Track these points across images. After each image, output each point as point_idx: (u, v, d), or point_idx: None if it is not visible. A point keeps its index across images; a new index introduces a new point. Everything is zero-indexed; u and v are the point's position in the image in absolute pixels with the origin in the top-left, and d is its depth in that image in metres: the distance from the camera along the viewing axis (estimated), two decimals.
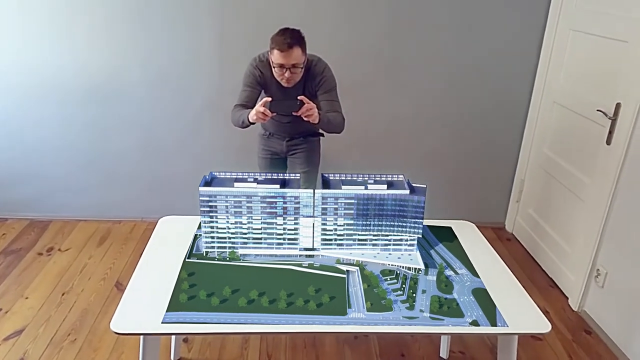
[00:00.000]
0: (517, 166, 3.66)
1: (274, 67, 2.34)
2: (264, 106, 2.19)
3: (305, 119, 2.26)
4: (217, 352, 2.55)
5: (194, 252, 2.02)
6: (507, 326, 1.68)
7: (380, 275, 1.91)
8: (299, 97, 2.23)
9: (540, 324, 1.70)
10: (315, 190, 1.91)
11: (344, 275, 1.89)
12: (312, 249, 2.00)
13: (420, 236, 1.99)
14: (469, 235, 2.23)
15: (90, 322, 2.72)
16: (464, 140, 3.58)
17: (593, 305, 2.80)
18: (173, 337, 2.43)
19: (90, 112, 3.44)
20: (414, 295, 1.81)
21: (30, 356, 2.48)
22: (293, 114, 2.27)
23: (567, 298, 3.02)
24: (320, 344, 2.63)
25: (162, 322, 1.63)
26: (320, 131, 2.76)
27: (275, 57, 2.28)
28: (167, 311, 1.68)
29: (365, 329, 1.65)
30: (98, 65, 3.32)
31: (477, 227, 2.34)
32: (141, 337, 1.69)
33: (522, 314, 1.74)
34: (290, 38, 2.25)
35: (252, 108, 2.43)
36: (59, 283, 3.03)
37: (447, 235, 2.22)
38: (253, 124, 2.35)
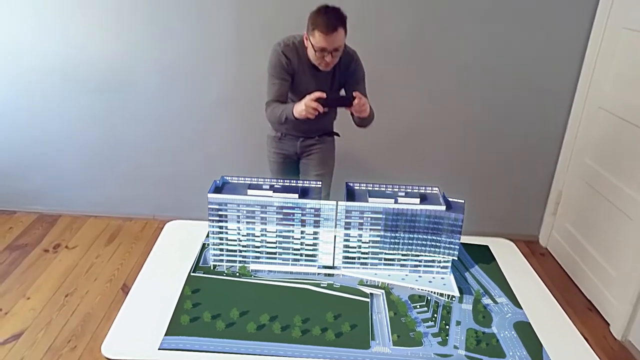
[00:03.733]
0: (554, 176, 3.38)
1: (313, 51, 2.10)
2: (315, 101, 1.98)
3: (356, 114, 2.10)
4: None
5: (200, 264, 1.82)
6: None
7: (409, 301, 1.68)
8: (354, 94, 2.03)
9: None
10: (339, 203, 1.69)
11: (368, 300, 1.68)
12: (332, 267, 1.78)
13: (455, 257, 1.75)
14: (508, 256, 1.99)
15: (92, 328, 2.55)
16: (497, 145, 3.33)
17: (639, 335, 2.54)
18: None
19: (103, 103, 3.28)
20: (447, 327, 1.59)
21: None
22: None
23: (609, 324, 2.75)
24: None
25: (159, 349, 1.43)
26: (336, 130, 2.57)
27: (317, 40, 2.04)
28: (165, 335, 1.49)
29: None
30: (111, 56, 3.16)
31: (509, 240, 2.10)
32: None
33: (572, 355, 1.50)
34: (335, 18, 2.01)
35: (286, 101, 2.27)
36: (63, 283, 2.87)
37: (483, 256, 1.99)
38: (298, 119, 2.13)
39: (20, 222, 3.47)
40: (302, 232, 1.72)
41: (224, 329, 1.52)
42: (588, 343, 1.60)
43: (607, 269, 2.81)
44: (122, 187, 3.52)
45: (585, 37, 3.03)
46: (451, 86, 3.17)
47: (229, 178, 1.82)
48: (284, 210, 1.70)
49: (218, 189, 1.76)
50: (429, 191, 1.81)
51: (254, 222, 1.71)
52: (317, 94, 1.99)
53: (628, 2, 2.73)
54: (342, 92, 2.36)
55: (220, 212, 1.70)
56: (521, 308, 1.70)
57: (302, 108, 2.02)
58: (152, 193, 3.55)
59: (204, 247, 1.91)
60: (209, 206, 1.69)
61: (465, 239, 2.07)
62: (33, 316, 2.61)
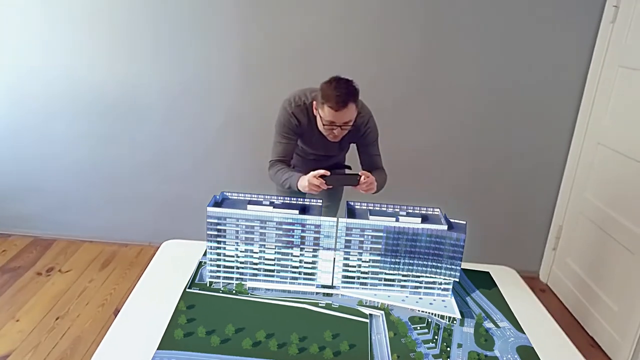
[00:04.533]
0: (554, 211, 3.37)
1: (322, 124, 2.03)
2: (320, 177, 1.91)
3: (363, 192, 1.99)
4: None
5: (196, 281, 1.78)
6: None
7: (409, 323, 1.64)
8: (360, 173, 1.93)
9: None
10: (340, 220, 1.67)
11: (367, 320, 1.63)
12: (331, 287, 1.75)
13: (457, 279, 1.72)
14: (509, 283, 1.96)
15: (82, 351, 2.48)
16: (496, 178, 3.33)
17: None
18: None
19: (104, 128, 3.28)
20: (449, 349, 1.54)
21: None
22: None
23: None
24: None
25: None
26: (347, 164, 2.53)
27: (327, 114, 1.96)
28: (158, 349, 1.44)
29: None
30: (117, 80, 3.18)
31: None
32: None
33: None
34: (346, 94, 1.92)
35: (291, 160, 2.23)
36: (55, 307, 2.81)
37: (485, 282, 1.95)
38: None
39: (15, 245, 3.43)
40: (301, 249, 1.70)
41: (218, 344, 1.47)
42: None
43: (608, 304, 2.76)
44: (119, 212, 3.50)
45: (583, 74, 3.07)
46: (453, 118, 3.19)
47: (229, 194, 1.81)
48: (284, 227, 1.67)
49: (217, 204, 1.74)
50: (430, 212, 1.79)
51: (253, 238, 1.69)
52: (321, 172, 1.92)
53: (623, 42, 2.79)
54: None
55: (218, 227, 1.68)
56: (524, 333, 1.66)
57: (305, 184, 1.95)
58: (150, 219, 3.51)
59: (200, 265, 1.88)
60: (208, 220, 1.67)
61: (466, 265, 2.05)
62: (21, 338, 2.54)
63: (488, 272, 2.03)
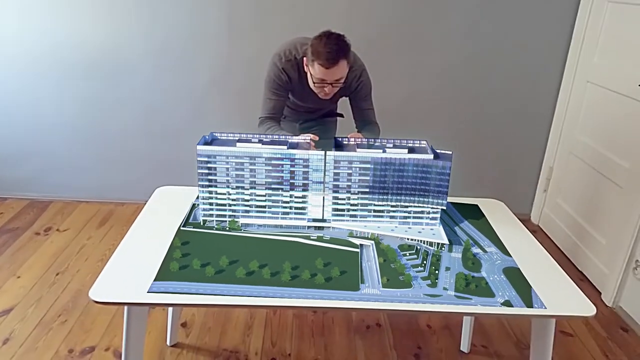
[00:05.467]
0: (545, 152, 3.40)
1: (312, 81, 2.00)
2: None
3: None
4: (217, 337, 2.35)
5: (190, 220, 1.81)
6: (545, 308, 1.44)
7: (398, 250, 1.69)
8: (349, 136, 1.88)
9: (583, 307, 1.47)
10: (327, 153, 1.69)
11: (357, 250, 1.68)
12: (322, 220, 1.78)
13: (444, 207, 1.76)
14: (498, 213, 2.00)
15: (83, 303, 2.53)
16: (485, 121, 3.34)
17: (630, 300, 2.55)
18: (169, 319, 2.23)
19: (91, 88, 3.27)
20: (437, 272, 1.59)
21: (16, 336, 2.30)
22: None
23: (600, 293, 2.76)
24: (329, 332, 2.42)
25: (147, 292, 1.43)
26: (339, 112, 2.51)
27: (317, 71, 1.91)
28: (154, 280, 1.48)
29: (380, 305, 1.43)
30: (99, 39, 3.15)
31: None
32: (125, 308, 1.49)
33: (561, 296, 1.51)
34: (337, 51, 1.86)
35: (280, 117, 2.21)
36: (54, 263, 2.85)
37: (473, 213, 1.99)
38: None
39: (12, 207, 3.45)
40: (291, 184, 1.73)
41: (213, 274, 1.51)
42: None
43: (596, 237, 2.82)
44: (113, 172, 3.51)
45: (574, 10, 3.05)
46: (442, 61, 3.19)
47: (218, 134, 1.82)
48: (273, 162, 1.70)
49: (207, 144, 1.76)
50: (417, 145, 1.82)
51: (243, 175, 1.71)
52: (311, 136, 1.89)
53: None
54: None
55: (209, 165, 1.70)
56: (511, 256, 1.70)
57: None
58: (144, 178, 3.52)
59: (194, 207, 1.91)
60: (198, 159, 1.69)
61: (454, 199, 2.08)
62: (23, 293, 2.59)
63: (477, 205, 2.06)
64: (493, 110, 3.31)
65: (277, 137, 1.81)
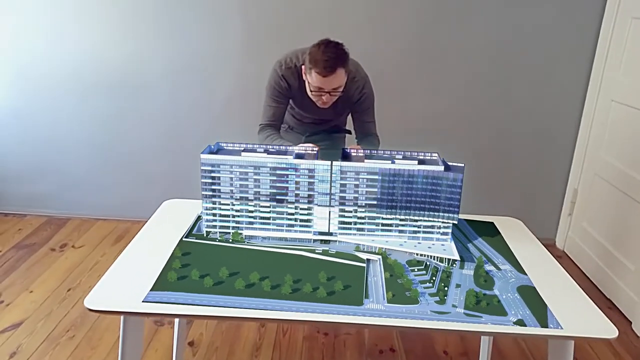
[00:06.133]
0: (569, 174, 3.28)
1: (310, 90, 1.99)
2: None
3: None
4: (225, 358, 2.29)
5: (193, 232, 1.78)
6: (562, 328, 1.34)
7: (406, 265, 1.61)
8: (349, 148, 1.87)
9: (604, 329, 1.36)
10: (334, 163, 1.64)
11: (364, 265, 1.61)
12: (329, 234, 1.72)
13: (456, 222, 1.68)
14: (514, 231, 1.91)
15: (92, 320, 2.51)
16: (506, 144, 3.25)
17: None
18: (175, 337, 2.18)
19: (111, 107, 3.32)
20: (446, 289, 1.50)
21: (23, 350, 2.27)
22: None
23: (630, 322, 2.61)
24: (340, 356, 2.33)
25: (142, 301, 1.38)
26: (348, 128, 2.46)
27: (314, 80, 1.90)
28: (151, 290, 1.44)
29: (384, 322, 1.35)
30: (121, 58, 3.21)
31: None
32: (121, 318, 1.45)
33: (579, 317, 1.41)
34: (335, 59, 1.84)
35: (281, 124, 2.22)
36: (67, 279, 2.85)
37: (488, 230, 1.91)
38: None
39: (30, 224, 3.49)
40: (296, 195, 1.68)
41: (211, 286, 1.46)
42: (608, 342, 1.50)
43: (626, 264, 2.68)
44: (131, 190, 3.52)
45: (596, 29, 2.98)
46: (463, 82, 3.13)
47: (224, 144, 1.80)
48: (278, 172, 1.66)
49: (213, 154, 1.73)
50: (428, 157, 1.75)
51: (247, 185, 1.68)
52: (310, 146, 1.84)
53: None
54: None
55: (213, 175, 1.67)
56: (526, 274, 1.61)
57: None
58: (162, 196, 3.48)
59: (199, 219, 1.87)
60: (202, 167, 1.66)
61: (469, 217, 2.00)
62: (34, 308, 2.58)
63: (492, 223, 1.97)
64: (514, 130, 3.22)
65: (283, 147, 1.76)
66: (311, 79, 1.92)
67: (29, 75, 3.27)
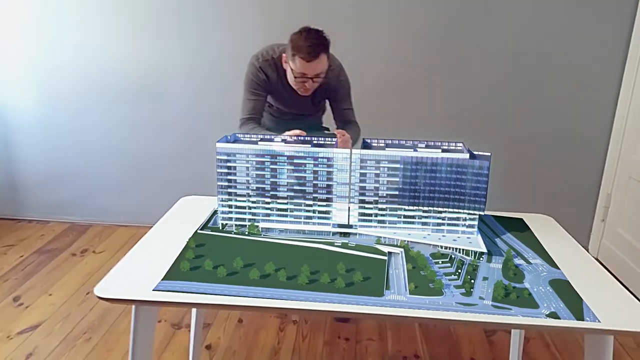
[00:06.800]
0: (602, 178, 3.15)
1: (293, 76, 2.01)
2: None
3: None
4: None
5: (209, 225, 1.73)
6: (599, 321, 1.24)
7: (430, 258, 1.53)
8: (335, 132, 1.95)
9: None
10: (353, 151, 1.58)
11: (385, 257, 1.53)
12: (349, 226, 1.65)
13: (482, 213, 1.59)
14: (545, 227, 1.81)
15: (109, 322, 2.47)
16: (535, 147, 3.15)
17: None
18: (191, 340, 2.12)
19: (135, 114, 3.33)
20: (472, 281, 1.41)
21: (39, 352, 2.24)
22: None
23: None
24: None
25: (153, 290, 1.33)
26: (326, 125, 2.48)
27: (298, 66, 1.94)
28: (162, 279, 1.38)
29: (406, 312, 1.27)
30: (145, 66, 3.23)
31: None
32: (133, 308, 1.40)
33: (618, 310, 1.30)
34: (317, 44, 1.91)
35: (261, 117, 2.21)
36: (86, 283, 2.83)
37: (517, 226, 1.81)
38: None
39: (52, 230, 3.50)
40: (314, 185, 1.62)
41: (225, 276, 1.40)
42: None
43: None
44: (153, 197, 3.51)
45: (629, 29, 2.88)
46: (495, 82, 3.06)
47: (241, 135, 1.75)
48: (295, 161, 1.60)
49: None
50: (452, 147, 1.68)
51: (264, 175, 1.62)
52: (297, 132, 1.87)
53: None
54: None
55: (228, 164, 1.62)
56: (558, 268, 1.51)
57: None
58: None
59: (215, 213, 1.82)
60: (217, 157, 1.62)
61: (496, 213, 1.91)
62: (52, 310, 2.56)
63: (521, 219, 1.88)
64: (544, 132, 3.12)
65: (301, 137, 1.71)
66: (294, 65, 1.94)
67: (53, 84, 3.31)
